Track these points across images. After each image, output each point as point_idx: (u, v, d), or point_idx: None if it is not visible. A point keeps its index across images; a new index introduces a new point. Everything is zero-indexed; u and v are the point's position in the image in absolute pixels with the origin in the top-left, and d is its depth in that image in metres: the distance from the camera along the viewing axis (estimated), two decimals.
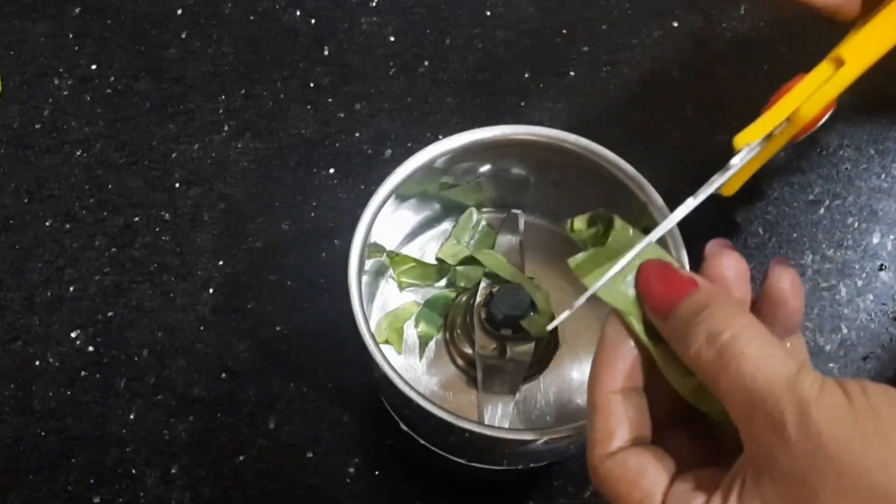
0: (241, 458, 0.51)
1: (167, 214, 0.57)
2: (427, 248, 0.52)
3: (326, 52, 0.62)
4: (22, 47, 0.61)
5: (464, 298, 0.50)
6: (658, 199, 0.44)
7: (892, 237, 0.58)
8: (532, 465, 0.50)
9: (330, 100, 0.60)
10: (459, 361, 0.50)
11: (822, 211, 0.58)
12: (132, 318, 0.54)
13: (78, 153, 0.58)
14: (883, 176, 0.59)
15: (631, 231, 0.37)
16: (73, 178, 0.58)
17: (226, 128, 0.59)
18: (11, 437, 0.51)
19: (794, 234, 0.58)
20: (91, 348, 0.53)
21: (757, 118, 0.41)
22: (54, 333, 0.54)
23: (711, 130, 0.59)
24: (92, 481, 0.51)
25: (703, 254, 0.34)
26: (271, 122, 0.59)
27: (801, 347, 0.34)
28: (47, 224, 0.57)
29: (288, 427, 0.52)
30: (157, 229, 0.56)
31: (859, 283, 0.56)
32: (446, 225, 0.53)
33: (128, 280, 0.55)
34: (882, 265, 0.57)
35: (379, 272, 0.51)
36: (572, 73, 0.62)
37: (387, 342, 0.50)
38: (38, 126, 0.59)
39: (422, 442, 0.49)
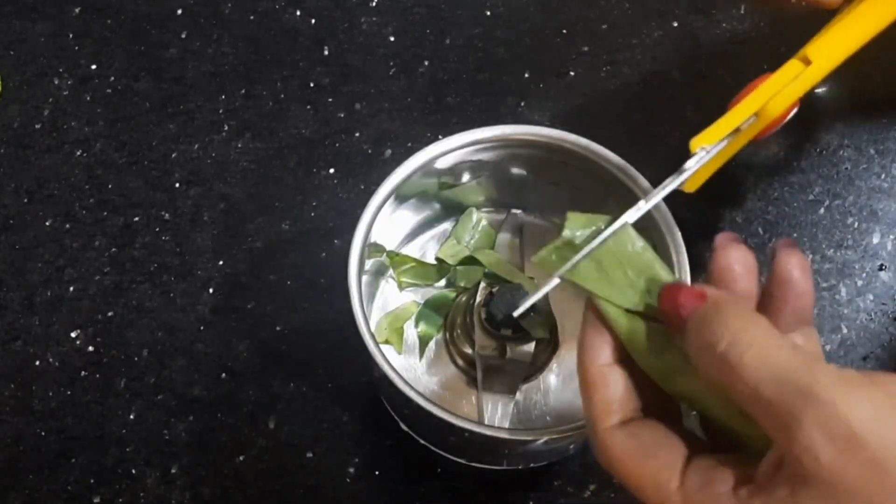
0: (241, 458, 0.51)
1: (167, 214, 0.57)
2: (427, 248, 0.52)
3: (326, 52, 0.62)
4: (22, 47, 0.61)
5: (464, 298, 0.50)
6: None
7: (892, 237, 0.58)
8: (532, 465, 0.50)
9: (330, 100, 0.60)
10: (459, 361, 0.50)
11: (822, 211, 0.58)
12: (132, 318, 0.54)
13: (78, 153, 0.58)
14: (883, 176, 0.59)
15: (585, 218, 0.36)
16: (73, 178, 0.58)
17: (226, 128, 0.59)
18: (11, 437, 0.51)
19: (794, 234, 0.57)
20: (91, 348, 0.53)
21: (717, 119, 0.40)
22: (54, 333, 0.54)
23: None
24: (92, 481, 0.51)
25: (700, 254, 0.34)
26: (271, 122, 0.59)
27: (812, 339, 0.32)
28: (47, 224, 0.57)
29: (288, 427, 0.52)
30: (157, 229, 0.56)
31: (859, 283, 0.56)
32: (446, 225, 0.53)
33: (128, 280, 0.55)
34: (882, 265, 0.57)
35: (379, 272, 0.51)
36: (572, 73, 0.62)
37: (387, 342, 0.50)
38: (38, 126, 0.59)
39: (422, 442, 0.50)
